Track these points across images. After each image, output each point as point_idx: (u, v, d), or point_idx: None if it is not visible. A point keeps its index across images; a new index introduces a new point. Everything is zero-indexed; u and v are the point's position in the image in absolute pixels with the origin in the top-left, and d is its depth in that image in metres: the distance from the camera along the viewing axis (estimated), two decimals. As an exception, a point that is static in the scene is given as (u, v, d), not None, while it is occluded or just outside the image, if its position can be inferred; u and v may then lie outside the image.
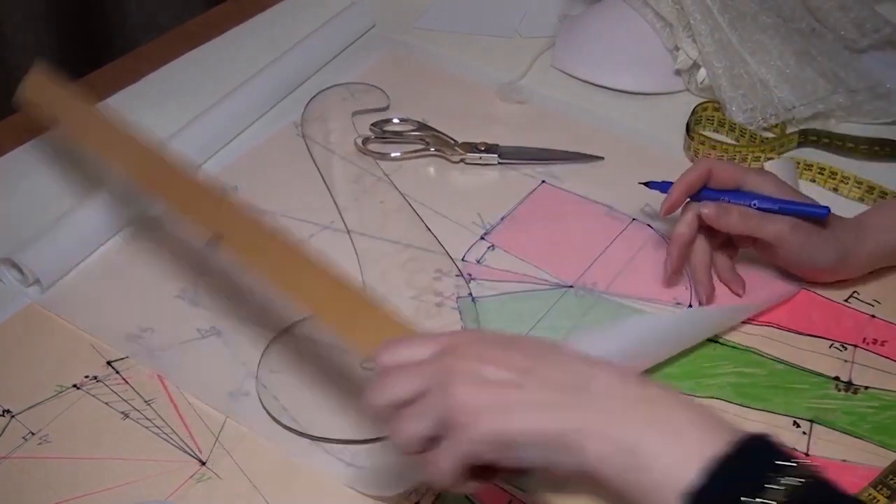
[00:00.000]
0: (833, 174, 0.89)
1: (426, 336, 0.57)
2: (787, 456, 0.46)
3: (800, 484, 0.45)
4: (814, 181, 0.90)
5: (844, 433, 0.69)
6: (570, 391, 0.50)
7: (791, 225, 0.73)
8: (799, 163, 0.90)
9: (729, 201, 0.75)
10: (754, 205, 0.74)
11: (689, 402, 0.49)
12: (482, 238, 0.84)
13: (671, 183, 0.77)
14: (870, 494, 0.65)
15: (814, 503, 0.45)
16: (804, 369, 0.73)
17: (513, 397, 0.50)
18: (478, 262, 0.82)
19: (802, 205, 0.75)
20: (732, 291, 0.78)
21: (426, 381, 0.52)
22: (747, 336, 0.76)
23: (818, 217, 0.74)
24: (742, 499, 0.44)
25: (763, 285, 0.79)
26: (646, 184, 0.80)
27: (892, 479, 0.66)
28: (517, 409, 0.50)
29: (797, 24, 1.02)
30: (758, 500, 0.44)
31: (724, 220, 0.74)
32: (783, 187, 0.76)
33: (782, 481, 0.44)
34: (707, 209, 0.74)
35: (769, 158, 0.90)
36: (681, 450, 0.46)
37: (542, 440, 0.49)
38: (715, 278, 0.78)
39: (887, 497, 0.64)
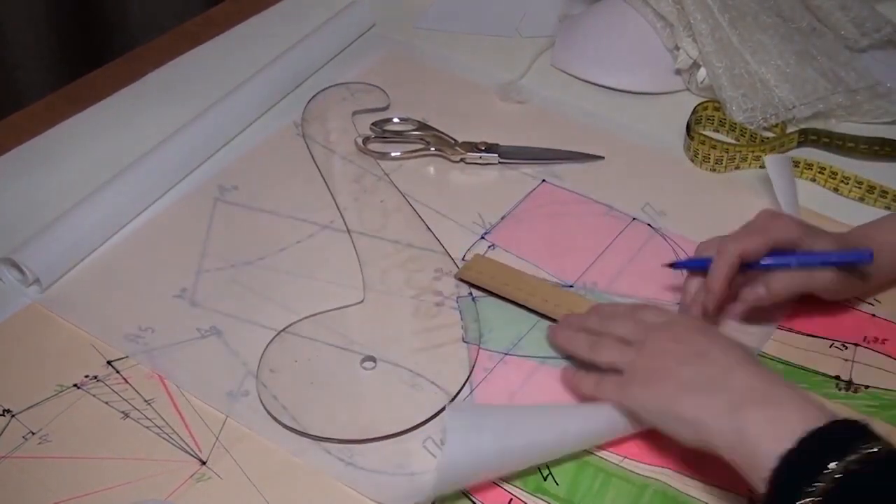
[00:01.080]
0: (833, 174, 0.89)
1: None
2: (875, 435, 0.54)
3: (879, 452, 0.53)
4: (814, 181, 0.90)
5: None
6: (714, 378, 0.61)
7: (834, 277, 0.72)
8: (799, 163, 0.90)
9: (769, 264, 0.72)
10: (793, 262, 0.72)
11: (800, 392, 0.59)
12: (482, 237, 0.84)
13: (701, 261, 0.74)
14: None
15: (889, 468, 0.53)
16: (805, 369, 0.73)
17: (672, 371, 0.63)
18: (478, 261, 0.82)
19: (845, 254, 0.72)
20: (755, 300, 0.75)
21: (637, 334, 0.68)
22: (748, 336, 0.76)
23: (862, 263, 0.72)
24: (827, 463, 0.52)
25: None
26: (671, 265, 0.77)
27: None
28: (669, 382, 0.63)
29: (797, 23, 1.02)
30: (839, 464, 0.52)
31: (773, 294, 0.73)
32: (829, 239, 0.74)
33: (864, 451, 0.52)
34: (755, 294, 0.73)
35: (756, 158, 0.90)
36: (782, 426, 0.56)
37: (674, 416, 0.62)
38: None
39: None
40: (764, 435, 0.56)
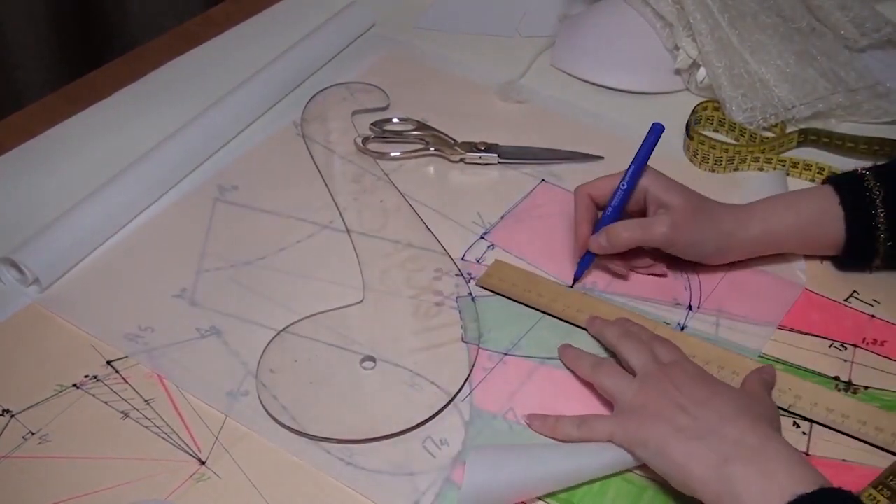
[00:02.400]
0: (834, 174, 0.89)
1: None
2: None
3: None
4: (813, 181, 0.90)
5: (844, 433, 0.69)
6: (709, 427, 0.61)
7: (673, 226, 0.75)
8: (798, 163, 0.90)
9: (610, 208, 0.78)
10: (623, 186, 0.77)
11: (792, 452, 0.59)
12: (482, 237, 0.84)
13: (589, 255, 0.79)
14: (870, 495, 0.64)
15: None
16: (804, 369, 0.73)
17: (669, 414, 0.63)
18: (477, 261, 0.82)
19: (646, 145, 0.77)
20: (656, 274, 0.80)
21: (646, 367, 0.68)
22: (748, 336, 0.76)
23: (658, 136, 0.77)
24: None
25: (765, 296, 0.79)
26: (574, 282, 0.80)
27: (892, 480, 0.65)
28: (665, 425, 0.63)
29: (797, 23, 1.02)
30: None
31: (614, 243, 0.77)
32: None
33: None
34: (597, 244, 0.77)
35: (768, 159, 0.90)
36: (771, 486, 0.56)
37: (665, 458, 0.62)
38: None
39: (888, 498, 0.64)
40: (750, 492, 0.57)
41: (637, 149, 0.77)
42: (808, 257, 0.81)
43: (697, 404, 0.63)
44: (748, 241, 0.78)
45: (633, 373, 0.69)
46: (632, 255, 0.80)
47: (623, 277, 0.80)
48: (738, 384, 0.70)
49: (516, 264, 0.81)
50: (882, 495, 0.64)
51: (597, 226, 0.79)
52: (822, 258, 0.81)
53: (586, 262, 0.79)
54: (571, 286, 0.80)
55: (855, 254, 0.78)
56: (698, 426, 0.62)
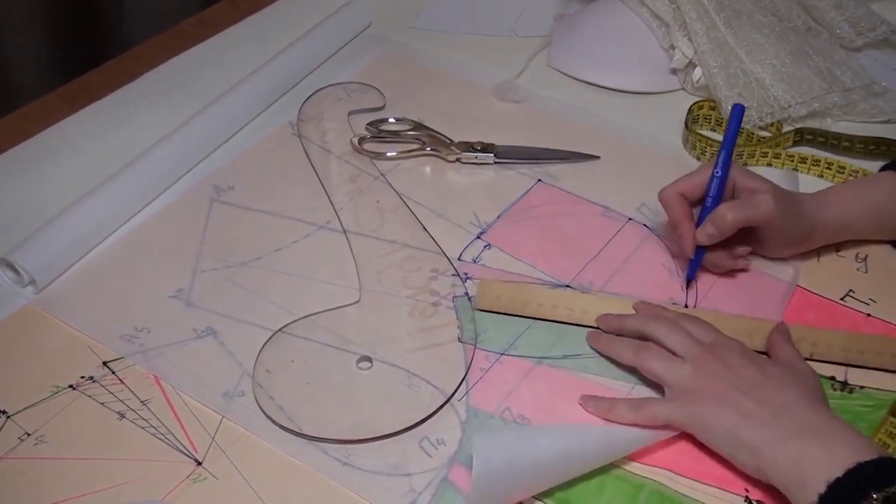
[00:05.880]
0: (842, 168, 0.89)
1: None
2: None
3: None
4: (821, 176, 0.90)
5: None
6: (773, 412, 0.64)
7: (778, 203, 0.75)
8: (806, 159, 0.90)
9: (709, 198, 0.77)
10: (717, 173, 0.77)
11: (851, 428, 0.63)
12: (478, 237, 0.84)
13: (699, 252, 0.78)
14: (892, 422, 0.67)
15: None
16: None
17: (733, 399, 0.65)
18: (474, 261, 0.82)
19: (732, 127, 0.77)
20: (740, 268, 0.80)
21: (689, 348, 0.70)
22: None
23: (741, 117, 0.77)
24: (871, 493, 0.57)
25: (761, 295, 0.79)
26: (688, 283, 0.80)
27: None
28: (732, 410, 0.65)
29: (793, 22, 1.02)
30: (881, 494, 0.56)
31: (723, 227, 0.76)
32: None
33: None
34: (705, 234, 0.77)
35: (763, 154, 0.90)
36: (833, 457, 0.60)
37: (735, 441, 0.65)
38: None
39: None
40: (815, 464, 0.60)
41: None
42: (803, 256, 0.81)
43: (756, 387, 0.66)
44: (829, 225, 0.79)
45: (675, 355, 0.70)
46: (732, 245, 0.79)
47: (732, 268, 0.80)
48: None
49: (512, 265, 0.81)
50: None
51: (698, 220, 0.78)
52: (819, 256, 0.82)
53: (698, 258, 0.79)
54: (686, 287, 0.80)
55: None
56: (763, 412, 0.64)
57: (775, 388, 0.66)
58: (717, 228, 0.76)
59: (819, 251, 0.82)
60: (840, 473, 0.59)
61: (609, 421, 0.69)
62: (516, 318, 0.77)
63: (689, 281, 0.80)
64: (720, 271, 0.80)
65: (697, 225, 0.78)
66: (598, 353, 0.74)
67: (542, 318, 0.77)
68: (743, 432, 0.64)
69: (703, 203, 0.78)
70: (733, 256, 0.80)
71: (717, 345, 0.70)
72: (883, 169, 0.82)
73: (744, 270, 0.81)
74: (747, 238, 0.79)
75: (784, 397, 0.65)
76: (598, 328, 0.76)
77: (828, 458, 0.60)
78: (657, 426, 0.67)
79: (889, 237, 0.83)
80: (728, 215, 0.75)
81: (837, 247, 0.83)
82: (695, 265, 0.79)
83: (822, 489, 0.59)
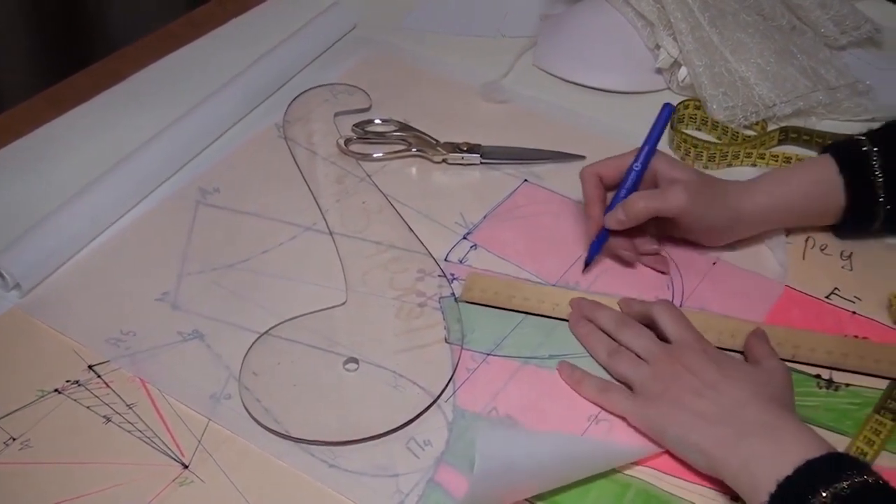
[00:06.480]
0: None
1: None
2: (868, 468, 0.58)
3: (866, 482, 0.57)
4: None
5: (826, 430, 0.69)
6: (726, 411, 0.65)
7: (688, 193, 0.76)
8: (791, 158, 0.90)
9: (623, 189, 0.79)
10: (636, 167, 0.78)
11: (802, 425, 0.63)
12: (464, 238, 0.84)
13: (602, 236, 0.79)
14: (877, 419, 0.69)
15: (876, 497, 0.57)
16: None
17: (688, 400, 0.66)
18: (460, 261, 0.82)
19: (658, 125, 0.79)
20: (658, 270, 0.81)
21: (651, 351, 0.71)
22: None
23: (669, 117, 0.79)
24: (820, 490, 0.57)
25: (747, 294, 0.79)
26: (586, 266, 0.81)
27: (891, 403, 0.70)
28: (686, 412, 0.65)
29: (777, 21, 1.02)
30: (829, 491, 0.57)
31: (631, 215, 0.77)
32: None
33: (856, 480, 0.57)
34: (614, 219, 0.78)
35: (748, 154, 0.91)
36: (782, 454, 0.60)
37: (686, 442, 0.65)
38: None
39: (892, 420, 0.69)
40: (765, 464, 0.60)
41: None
42: (790, 251, 0.82)
43: (712, 387, 0.66)
44: (755, 214, 0.80)
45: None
46: (637, 238, 0.80)
47: (632, 262, 0.81)
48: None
49: (498, 265, 0.81)
50: (886, 418, 0.69)
51: (609, 206, 0.79)
52: (804, 253, 0.82)
53: (599, 242, 0.80)
54: (584, 270, 0.80)
55: (856, 219, 0.80)
56: (717, 411, 0.65)
57: (731, 388, 0.66)
58: (626, 215, 0.77)
59: (804, 249, 0.82)
60: (790, 472, 0.59)
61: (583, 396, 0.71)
62: (503, 318, 0.77)
63: (587, 265, 0.80)
64: (627, 262, 0.81)
65: (609, 209, 0.79)
66: (576, 338, 0.75)
67: (528, 311, 0.77)
68: (694, 434, 0.65)
69: (617, 190, 0.79)
70: (636, 250, 0.80)
71: (681, 345, 0.71)
72: (822, 152, 0.82)
73: (664, 272, 0.81)
74: (669, 226, 0.80)
75: (739, 396, 0.65)
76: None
77: (778, 457, 0.60)
78: (616, 414, 0.69)
79: (818, 223, 0.83)
80: (639, 203, 0.77)
81: (823, 245, 0.83)
82: (595, 248, 0.80)
83: (772, 488, 0.59)
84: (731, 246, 0.82)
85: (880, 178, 0.78)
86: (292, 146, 0.93)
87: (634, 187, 0.79)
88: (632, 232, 0.79)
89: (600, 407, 0.70)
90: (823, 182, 0.79)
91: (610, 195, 0.80)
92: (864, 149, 0.79)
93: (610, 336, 0.74)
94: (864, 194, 0.79)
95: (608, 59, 1.01)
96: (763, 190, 0.80)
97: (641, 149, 0.78)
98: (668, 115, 0.79)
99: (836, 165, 0.79)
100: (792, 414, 0.66)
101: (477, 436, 0.63)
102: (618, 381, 0.72)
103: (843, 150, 0.80)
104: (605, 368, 0.73)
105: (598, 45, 1.02)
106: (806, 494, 0.57)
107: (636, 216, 0.77)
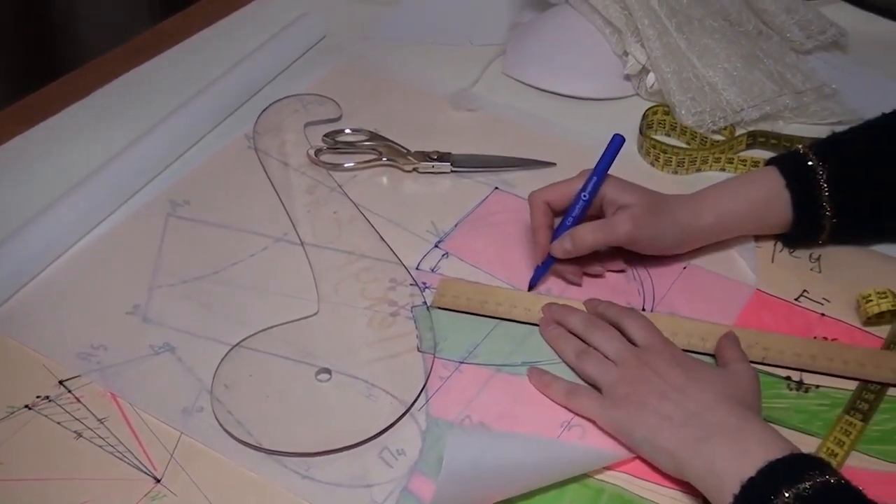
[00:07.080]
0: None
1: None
2: (830, 468, 0.59)
3: (828, 482, 0.58)
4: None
5: (797, 431, 0.70)
6: (691, 414, 0.65)
7: (634, 222, 0.77)
8: (759, 162, 0.91)
9: (570, 218, 0.79)
10: (584, 196, 0.78)
11: (766, 427, 0.64)
12: (436, 246, 0.84)
13: (548, 262, 0.80)
14: (847, 420, 0.69)
15: (838, 497, 0.58)
16: (755, 368, 0.74)
17: (653, 403, 0.67)
18: (432, 270, 0.82)
19: (607, 156, 0.78)
20: (569, 281, 0.81)
21: (621, 354, 0.71)
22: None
23: (619, 148, 0.78)
24: (783, 490, 0.57)
25: (718, 297, 0.80)
26: (530, 289, 0.81)
27: (860, 404, 0.71)
28: (651, 414, 0.66)
29: (744, 27, 1.03)
30: (792, 491, 0.57)
31: (579, 247, 0.78)
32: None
33: (818, 480, 0.58)
34: (561, 248, 0.78)
35: (717, 159, 0.91)
36: (745, 456, 0.61)
37: (652, 444, 0.66)
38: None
39: (861, 420, 0.70)
40: (729, 465, 0.61)
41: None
42: (759, 255, 0.82)
43: (678, 390, 0.67)
44: (704, 229, 0.80)
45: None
46: (585, 262, 0.80)
47: (577, 284, 0.81)
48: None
49: (470, 273, 0.81)
50: (856, 419, 0.70)
51: (556, 232, 0.79)
52: (773, 257, 0.83)
53: (544, 268, 0.80)
54: (529, 290, 0.80)
55: (802, 231, 0.81)
56: (682, 413, 0.65)
57: (697, 391, 0.67)
58: (573, 245, 0.78)
59: (773, 252, 0.83)
60: (753, 473, 0.59)
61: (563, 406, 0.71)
62: (475, 325, 0.77)
63: (531, 287, 0.80)
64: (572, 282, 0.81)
65: (556, 236, 0.79)
66: (546, 340, 0.76)
67: (500, 317, 0.77)
68: (659, 436, 0.65)
69: (563, 217, 0.79)
70: (581, 273, 0.81)
71: (649, 349, 0.71)
72: (767, 164, 0.83)
73: (622, 271, 0.82)
74: (611, 251, 0.81)
75: (704, 399, 0.66)
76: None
77: (741, 458, 0.61)
78: (586, 418, 0.69)
79: (768, 232, 0.83)
80: (587, 236, 0.78)
81: (791, 248, 0.84)
82: (540, 273, 0.80)
83: (736, 489, 0.59)
84: (701, 251, 0.82)
85: (826, 192, 0.79)
86: (262, 157, 0.93)
87: (582, 217, 0.79)
88: (578, 257, 0.80)
89: (568, 409, 0.70)
90: (771, 198, 0.80)
91: (557, 220, 0.80)
92: (810, 163, 0.79)
93: (580, 338, 0.74)
94: (810, 209, 0.80)
95: (577, 66, 1.02)
96: (710, 208, 0.80)
97: (590, 179, 0.78)
98: (617, 146, 0.78)
99: (783, 180, 0.80)
100: (756, 416, 0.66)
101: (447, 436, 0.63)
102: (587, 382, 0.72)
103: (788, 163, 0.81)
104: (573, 370, 0.73)
105: (567, 52, 1.03)
106: (769, 495, 0.58)
107: (583, 248, 0.78)
